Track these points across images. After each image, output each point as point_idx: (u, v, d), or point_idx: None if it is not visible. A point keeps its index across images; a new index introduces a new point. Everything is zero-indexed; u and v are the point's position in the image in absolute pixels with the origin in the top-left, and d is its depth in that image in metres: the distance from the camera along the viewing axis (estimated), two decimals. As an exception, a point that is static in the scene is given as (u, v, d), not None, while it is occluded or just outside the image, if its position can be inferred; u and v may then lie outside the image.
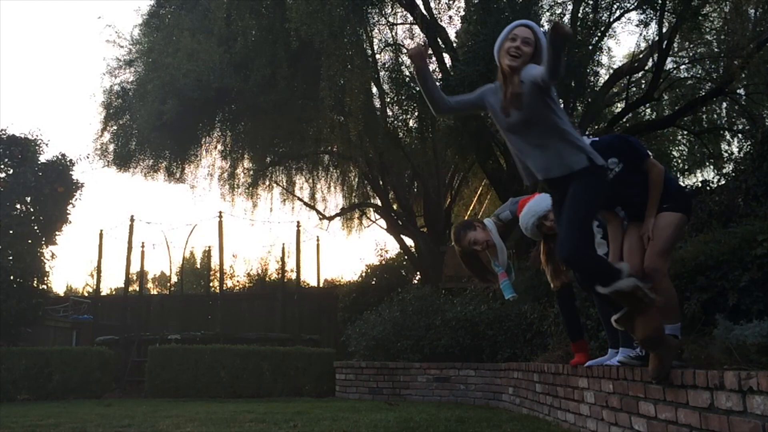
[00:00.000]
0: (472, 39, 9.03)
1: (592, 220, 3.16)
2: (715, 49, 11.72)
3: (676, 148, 13.98)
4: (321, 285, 15.06)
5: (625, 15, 10.48)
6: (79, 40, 59.15)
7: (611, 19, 10.32)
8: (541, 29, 3.05)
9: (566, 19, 10.22)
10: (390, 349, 7.82)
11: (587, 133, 10.14)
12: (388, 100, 12.14)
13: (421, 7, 10.67)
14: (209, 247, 16.63)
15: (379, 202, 13.94)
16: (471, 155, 11.34)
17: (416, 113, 11.69)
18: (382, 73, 11.97)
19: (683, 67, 12.49)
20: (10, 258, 9.55)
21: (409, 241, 13.28)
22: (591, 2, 9.93)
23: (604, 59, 14.21)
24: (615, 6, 10.17)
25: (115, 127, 12.30)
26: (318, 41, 9.34)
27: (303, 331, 11.82)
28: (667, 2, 9.50)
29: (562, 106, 3.81)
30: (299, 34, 9.34)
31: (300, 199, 14.89)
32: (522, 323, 6.48)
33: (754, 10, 10.40)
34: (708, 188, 7.84)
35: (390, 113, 12.22)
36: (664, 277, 3.11)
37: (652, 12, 9.76)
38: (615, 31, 12.14)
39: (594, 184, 2.87)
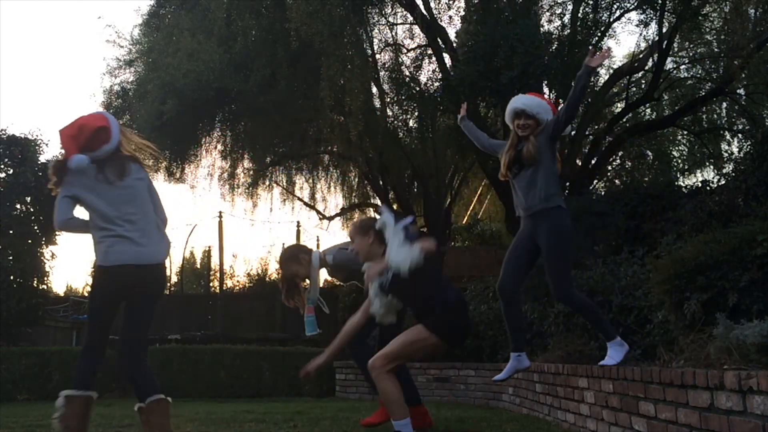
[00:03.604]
0: (472, 39, 9.02)
1: None
2: (715, 49, 11.71)
3: (676, 148, 14.00)
4: (321, 285, 15.03)
5: (625, 15, 10.50)
6: (79, 40, 59.27)
7: (611, 19, 10.33)
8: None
9: (566, 19, 10.23)
10: (390, 349, 7.79)
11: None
12: (388, 100, 12.12)
13: (421, 7, 10.66)
14: (209, 247, 16.70)
15: (379, 202, 13.93)
16: (471, 155, 11.34)
17: (416, 113, 11.68)
18: (382, 73, 11.97)
19: (683, 67, 12.50)
20: (10, 258, 9.55)
21: (409, 241, 13.25)
22: (591, 2, 9.93)
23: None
24: (615, 6, 10.17)
25: (115, 127, 12.29)
26: (318, 41, 9.34)
27: (303, 331, 11.81)
28: (667, 2, 9.50)
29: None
30: (299, 34, 9.34)
31: (300, 199, 14.90)
32: (522, 323, 6.47)
33: (754, 10, 10.39)
34: (708, 188, 7.84)
35: (390, 113, 12.22)
36: (382, 375, 3.34)
37: (652, 12, 9.76)
38: (615, 31, 12.14)
39: None
